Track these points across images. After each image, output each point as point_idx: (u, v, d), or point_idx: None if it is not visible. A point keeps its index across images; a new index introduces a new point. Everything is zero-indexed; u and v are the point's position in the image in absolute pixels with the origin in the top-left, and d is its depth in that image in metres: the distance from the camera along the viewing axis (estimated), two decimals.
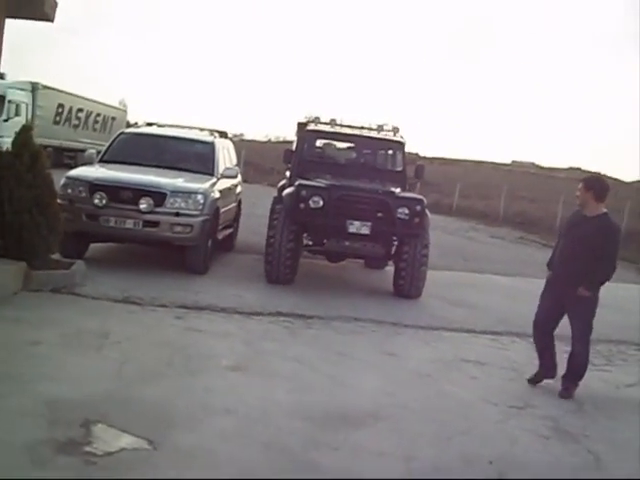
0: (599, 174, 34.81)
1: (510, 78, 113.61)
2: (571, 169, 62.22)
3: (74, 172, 10.91)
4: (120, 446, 4.63)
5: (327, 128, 12.77)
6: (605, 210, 7.02)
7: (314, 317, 8.96)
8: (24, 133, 9.07)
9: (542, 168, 62.46)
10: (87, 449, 4.51)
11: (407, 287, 11.06)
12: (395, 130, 12.77)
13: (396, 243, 11.35)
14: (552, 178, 49.35)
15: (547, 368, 7.30)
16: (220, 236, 11.98)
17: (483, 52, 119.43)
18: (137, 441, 4.72)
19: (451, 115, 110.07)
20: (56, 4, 8.55)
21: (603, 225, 6.92)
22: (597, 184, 7.08)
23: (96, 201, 10.06)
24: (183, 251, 10.61)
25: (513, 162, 67.31)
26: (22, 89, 27.92)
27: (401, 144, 12.65)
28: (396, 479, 4.50)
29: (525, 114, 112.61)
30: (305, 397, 6.05)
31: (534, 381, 7.31)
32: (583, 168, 63.79)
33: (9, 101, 26.30)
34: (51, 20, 8.73)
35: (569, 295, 6.99)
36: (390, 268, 11.97)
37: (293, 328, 8.36)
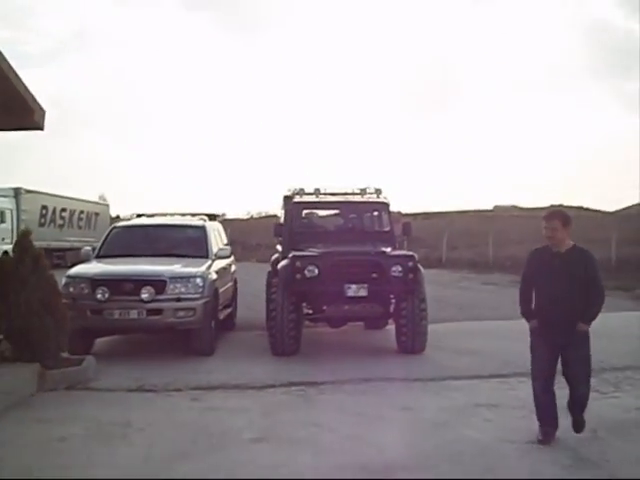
0: (561, 206, 35.40)
1: (481, 123, 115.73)
2: (553, 206, 62.84)
3: (74, 270, 11.18)
4: None
5: (312, 198, 13.14)
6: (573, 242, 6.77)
7: (325, 383, 9.13)
8: (24, 237, 9.43)
9: (524, 209, 63.07)
10: None
11: (410, 343, 11.26)
12: (378, 192, 13.16)
13: (394, 301, 11.60)
14: (535, 218, 49.79)
15: (551, 423, 6.74)
16: (221, 316, 12.23)
17: (448, 102, 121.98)
18: None
19: (427, 168, 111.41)
20: (44, 112, 8.91)
21: (584, 257, 6.68)
22: (569, 218, 6.74)
23: (99, 296, 10.32)
24: (188, 335, 10.83)
25: (495, 207, 67.84)
26: (5, 196, 28.36)
27: (385, 204, 13.01)
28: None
29: (500, 158, 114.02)
30: (330, 458, 6.21)
31: (546, 442, 6.62)
32: (565, 204, 64.55)
33: None
34: (41, 128, 9.08)
35: (567, 337, 6.61)
36: (391, 327, 12.18)
37: (306, 396, 8.55)
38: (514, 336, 12.72)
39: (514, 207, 66.77)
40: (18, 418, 7.41)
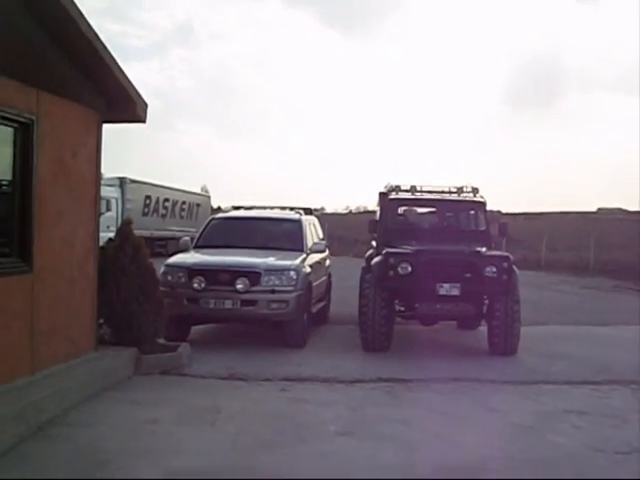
0: None
1: (587, 122, 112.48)
2: None
3: (172, 260, 11.56)
4: None
5: (408, 195, 13.11)
6: None
7: (413, 380, 9.13)
8: (125, 226, 9.77)
9: (630, 212, 60.99)
10: None
11: (502, 344, 11.12)
12: (475, 191, 13.02)
13: (487, 302, 11.47)
14: None
15: None
16: (314, 309, 12.38)
17: (551, 98, 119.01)
18: None
19: (529, 168, 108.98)
20: (146, 105, 9.21)
21: None
22: None
23: (195, 285, 10.64)
24: (281, 326, 11.02)
25: (599, 209, 65.91)
26: (111, 185, 29.36)
27: (482, 204, 12.87)
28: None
29: (606, 158, 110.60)
30: (414, 456, 6.21)
31: None
32: None
33: (100, 198, 27.53)
34: (143, 121, 9.39)
35: None
36: (483, 327, 12.06)
37: (394, 392, 8.57)
38: (610, 343, 12.51)
39: (619, 210, 64.67)
40: (114, 399, 7.73)
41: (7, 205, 7.15)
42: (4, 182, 7.18)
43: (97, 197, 8.93)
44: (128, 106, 8.96)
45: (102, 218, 25.55)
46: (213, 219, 13.55)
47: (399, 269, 10.83)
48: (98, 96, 8.61)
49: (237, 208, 14.29)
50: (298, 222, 12.88)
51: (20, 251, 7.25)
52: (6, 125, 6.97)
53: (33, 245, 7.31)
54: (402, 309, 11.65)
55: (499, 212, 50.72)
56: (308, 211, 14.23)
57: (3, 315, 6.80)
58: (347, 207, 66.50)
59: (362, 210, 55.99)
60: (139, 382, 8.53)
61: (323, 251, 13.45)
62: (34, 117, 7.25)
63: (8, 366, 6.84)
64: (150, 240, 30.82)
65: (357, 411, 7.65)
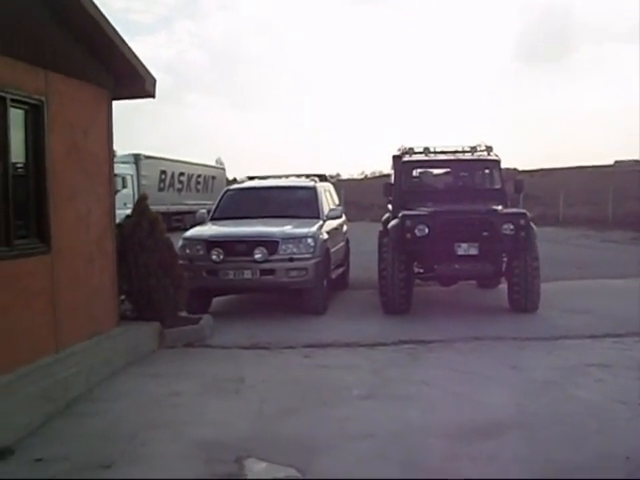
0: None
1: (600, 75, 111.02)
2: None
3: (190, 233, 11.61)
4: (272, 476, 5.01)
5: (422, 157, 13.06)
6: None
7: (435, 341, 9.17)
8: (141, 202, 9.81)
9: None
10: None
11: (523, 301, 11.12)
12: (489, 149, 12.94)
13: (506, 260, 11.45)
14: None
15: None
16: (333, 275, 12.42)
17: (565, 52, 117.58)
18: (286, 469, 5.09)
19: (545, 124, 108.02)
20: (155, 80, 9.19)
21: None
22: None
23: (214, 257, 10.71)
24: (301, 294, 11.07)
25: (616, 162, 65.28)
26: (126, 162, 29.39)
27: (497, 162, 12.78)
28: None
29: (623, 111, 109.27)
30: (437, 416, 6.26)
31: None
32: None
33: (115, 175, 27.44)
34: (153, 96, 9.38)
35: None
36: (503, 286, 12.04)
37: (416, 354, 8.60)
38: (632, 296, 12.43)
39: (636, 162, 64.01)
40: (139, 373, 7.83)
41: (23, 187, 7.18)
42: (19, 165, 7.21)
43: (111, 174, 8.96)
44: (136, 82, 8.95)
45: (118, 195, 25.66)
46: (228, 190, 13.57)
47: (416, 231, 10.82)
48: (106, 73, 8.59)
49: (252, 178, 14.30)
50: (313, 189, 12.86)
51: (38, 232, 7.30)
52: (17, 107, 6.97)
53: (50, 225, 7.36)
54: (421, 271, 11.66)
55: (515, 170, 50.34)
56: (323, 178, 14.20)
57: (25, 295, 6.88)
58: (362, 172, 66.40)
59: (377, 174, 55.77)
60: (163, 355, 8.63)
61: (340, 217, 13.45)
62: (43, 98, 7.25)
63: (32, 345, 6.93)
64: (167, 215, 30.90)
65: (379, 374, 7.69)
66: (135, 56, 8.60)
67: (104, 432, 5.96)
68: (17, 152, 7.12)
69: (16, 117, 7.01)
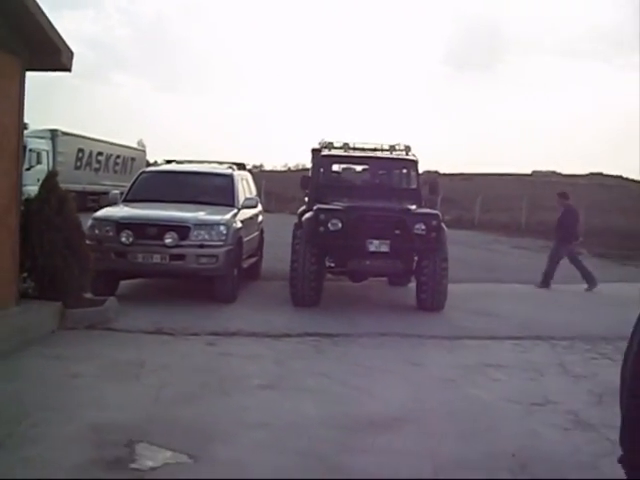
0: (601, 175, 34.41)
1: (525, 86, 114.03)
2: (592, 175, 62.11)
3: (100, 213, 11.38)
4: (163, 461, 4.95)
5: (341, 152, 13.12)
6: None
7: (340, 335, 9.25)
8: (50, 178, 9.53)
9: (563, 176, 62.26)
10: (133, 466, 4.84)
11: (429, 300, 11.32)
12: (407, 149, 13.09)
13: (416, 259, 11.62)
14: (573, 185, 49.24)
15: None
16: (245, 265, 12.35)
17: (491, 62, 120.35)
18: (178, 456, 5.04)
19: (468, 130, 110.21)
20: (72, 54, 8.96)
21: None
22: None
23: (123, 239, 10.51)
24: (211, 281, 10.99)
25: (534, 172, 67.05)
26: (42, 137, 28.58)
27: (414, 162, 12.94)
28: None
29: (542, 122, 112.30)
30: (334, 408, 6.31)
31: None
32: (604, 173, 63.53)
33: (30, 150, 26.49)
34: (69, 70, 9.13)
35: None
36: (413, 284, 12.23)
37: (320, 347, 8.66)
38: (537, 301, 12.84)
39: (553, 173, 65.89)
40: (37, 353, 7.61)
41: None
42: None
43: (19, 148, 8.69)
44: (52, 53, 8.67)
45: (32, 171, 25.03)
46: (143, 172, 13.35)
47: (329, 225, 10.87)
48: (20, 43, 8.33)
49: (169, 162, 14.09)
50: (230, 177, 12.75)
51: None
52: None
53: None
54: (332, 265, 11.73)
55: (436, 172, 51.16)
56: (241, 166, 14.12)
57: None
58: (286, 164, 66.33)
59: (301, 167, 55.84)
60: (63, 336, 8.41)
61: (255, 207, 13.36)
62: None
63: None
64: (83, 194, 30.26)
65: (282, 365, 7.71)
66: (52, 26, 8.36)
67: None
68: None
69: None
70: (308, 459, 5.15)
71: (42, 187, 9.32)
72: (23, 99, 8.67)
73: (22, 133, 8.92)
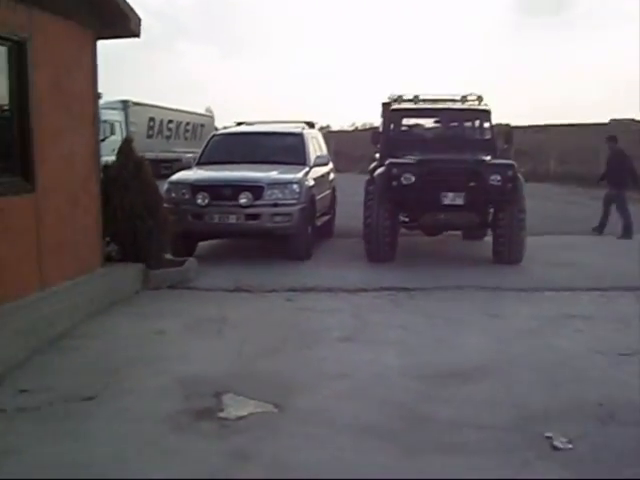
0: None
1: (595, 30, 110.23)
2: None
3: (175, 177, 11.61)
4: (249, 411, 5.09)
5: (411, 105, 12.99)
6: None
7: (417, 289, 9.24)
8: (127, 144, 9.77)
9: None
10: (220, 415, 5.00)
11: (507, 253, 11.18)
12: (479, 99, 12.89)
13: (492, 211, 11.48)
14: None
15: None
16: (319, 223, 12.46)
17: (563, 5, 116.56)
18: (264, 405, 5.17)
19: (540, 80, 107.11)
20: (140, 20, 9.07)
21: None
22: None
23: (199, 201, 10.72)
24: (285, 240, 11.12)
25: (611, 121, 64.81)
26: (114, 108, 29.06)
27: (487, 112, 12.72)
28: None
29: (616, 68, 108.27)
30: (414, 359, 6.36)
31: None
32: None
33: (104, 121, 26.99)
34: (137, 35, 9.25)
35: None
36: (489, 238, 12.10)
37: (397, 300, 8.69)
38: (615, 251, 12.53)
39: (632, 121, 63.65)
40: (122, 312, 7.91)
41: (7, 127, 7.14)
42: (2, 104, 7.14)
43: (95, 116, 8.89)
44: (121, 21, 8.80)
45: (107, 142, 25.50)
46: (215, 135, 13.52)
47: (402, 179, 10.82)
48: (91, 12, 8.46)
49: (240, 124, 14.22)
50: (300, 135, 12.81)
51: (23, 171, 7.27)
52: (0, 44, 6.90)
53: (34, 165, 7.32)
54: (406, 220, 11.69)
55: (508, 125, 50.06)
56: (310, 125, 14.13)
57: (10, 234, 6.88)
58: (353, 124, 65.52)
59: (368, 126, 55.29)
60: (146, 296, 8.71)
61: (327, 164, 13.41)
62: (27, 35, 7.16)
63: (18, 283, 6.96)
64: (155, 162, 30.65)
65: (360, 318, 7.78)
66: None
67: (87, 366, 6.04)
68: (1, 91, 7.06)
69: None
70: (389, 408, 5.20)
71: (119, 153, 9.56)
72: (96, 69, 8.85)
73: (97, 103, 9.11)
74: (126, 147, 9.67)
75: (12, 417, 4.98)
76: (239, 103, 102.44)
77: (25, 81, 7.19)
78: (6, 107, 7.14)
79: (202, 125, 38.72)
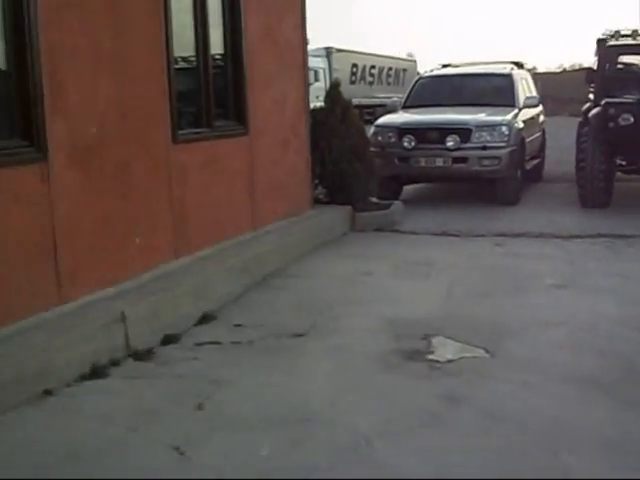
0: None
1: None
2: None
3: (382, 120, 11.64)
4: (459, 354, 5.01)
5: (629, 41, 12.11)
6: None
7: (636, 236, 8.67)
8: (334, 89, 9.87)
9: None
10: (430, 357, 4.96)
11: None
12: None
13: None
14: None
15: None
16: (528, 166, 12.05)
17: None
18: (474, 349, 5.08)
19: None
20: None
21: None
22: None
23: (405, 144, 10.68)
24: (493, 184, 10.84)
25: None
26: (317, 55, 29.43)
27: None
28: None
29: None
30: (635, 309, 5.97)
31: None
32: None
33: (308, 69, 27.46)
34: None
35: None
36: None
37: (614, 247, 8.23)
38: None
39: None
40: (331, 253, 8.10)
41: (222, 72, 7.40)
42: (217, 51, 7.38)
43: (305, 61, 9.04)
44: None
45: (311, 88, 25.83)
46: (421, 78, 13.38)
47: (620, 120, 10.14)
48: None
49: (445, 66, 13.94)
50: (509, 76, 12.35)
51: (236, 115, 7.55)
52: None
53: (248, 108, 7.57)
54: (623, 163, 11.00)
55: None
56: (519, 65, 13.58)
57: (227, 174, 7.21)
58: (560, 65, 62.43)
59: (577, 67, 52.49)
60: (354, 238, 8.84)
61: (536, 106, 12.86)
62: None
63: (233, 222, 7.29)
64: (358, 108, 30.66)
65: (574, 265, 7.44)
66: None
67: (297, 304, 6.20)
68: (216, 39, 7.28)
69: (213, 5, 7.14)
70: (607, 359, 4.92)
71: (326, 97, 9.68)
72: (305, 14, 8.95)
73: (306, 48, 9.25)
74: (333, 92, 9.77)
75: (227, 350, 5.21)
76: (439, 49, 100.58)
77: (238, 28, 7.42)
78: (221, 55, 7.39)
79: (404, 70, 38.40)
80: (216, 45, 7.25)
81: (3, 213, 4.60)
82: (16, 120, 4.82)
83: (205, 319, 5.72)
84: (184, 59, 6.90)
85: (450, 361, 4.91)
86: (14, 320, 4.56)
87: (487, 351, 5.05)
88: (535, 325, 5.59)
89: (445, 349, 5.14)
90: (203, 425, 3.97)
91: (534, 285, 6.71)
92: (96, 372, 4.58)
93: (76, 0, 5.21)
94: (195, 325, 5.61)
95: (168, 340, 5.24)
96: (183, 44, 6.72)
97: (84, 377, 4.51)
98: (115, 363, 4.77)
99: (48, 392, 4.25)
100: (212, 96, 7.02)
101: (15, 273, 4.66)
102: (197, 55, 6.90)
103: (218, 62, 7.39)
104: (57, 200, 4.98)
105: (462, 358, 4.97)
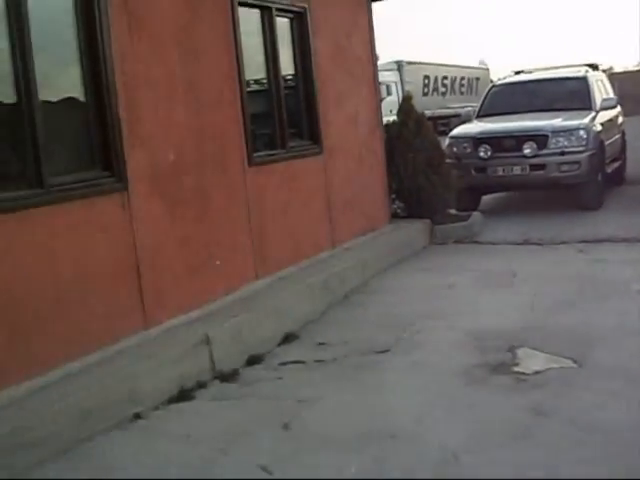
0: None
1: None
2: None
3: (456, 131, 11.57)
4: (546, 365, 4.91)
5: None
6: None
7: None
8: (406, 102, 9.89)
9: None
10: (516, 369, 4.88)
11: None
12: None
13: None
14: None
15: None
16: (609, 170, 11.76)
17: None
18: (561, 360, 4.97)
19: None
20: None
21: None
22: None
23: (481, 154, 10.59)
24: (573, 189, 10.63)
25: None
26: (389, 70, 29.42)
27: None
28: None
29: None
30: None
31: None
32: None
33: (380, 83, 27.45)
34: None
35: None
36: None
37: None
38: None
39: None
40: (411, 267, 8.08)
41: (293, 93, 7.50)
42: (289, 73, 7.48)
43: (375, 76, 9.06)
44: None
45: (384, 103, 25.85)
46: (494, 86, 13.23)
47: None
48: None
49: (518, 73, 13.77)
50: (584, 79, 12.11)
51: (310, 134, 7.64)
52: (282, 16, 7.21)
53: (320, 127, 7.65)
54: None
55: None
56: (594, 67, 13.31)
57: (304, 194, 7.30)
58: (639, 63, 60.79)
59: None
60: (433, 251, 8.81)
61: (614, 107, 12.57)
62: (306, 5, 7.45)
63: (312, 240, 7.36)
64: (432, 119, 30.35)
65: None
66: None
67: (380, 320, 6.21)
68: (286, 60, 7.38)
69: (282, 27, 7.25)
70: None
71: (399, 111, 9.70)
72: (372, 29, 9.01)
73: (376, 63, 9.28)
74: (406, 105, 9.78)
75: (311, 368, 5.24)
76: (512, 55, 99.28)
77: (307, 49, 7.52)
78: (291, 75, 7.49)
79: (477, 78, 38.03)
80: (286, 66, 7.37)
81: (87, 242, 4.76)
82: (96, 151, 4.99)
83: (288, 339, 5.78)
84: (256, 82, 7.03)
85: (537, 372, 4.82)
86: (101, 346, 4.71)
87: (574, 361, 4.94)
88: (623, 333, 5.44)
89: (531, 360, 5.05)
90: (290, 444, 4.01)
91: (621, 291, 6.53)
92: (183, 395, 4.69)
93: (147, 31, 5.38)
94: (278, 345, 5.68)
95: (252, 361, 5.32)
96: (254, 67, 6.85)
97: (172, 400, 4.62)
98: (201, 385, 4.86)
99: (137, 416, 4.37)
100: (285, 117, 7.12)
101: (101, 300, 4.81)
102: (268, 77, 7.03)
103: (289, 83, 7.50)
104: (138, 228, 5.13)
105: (549, 369, 4.87)
